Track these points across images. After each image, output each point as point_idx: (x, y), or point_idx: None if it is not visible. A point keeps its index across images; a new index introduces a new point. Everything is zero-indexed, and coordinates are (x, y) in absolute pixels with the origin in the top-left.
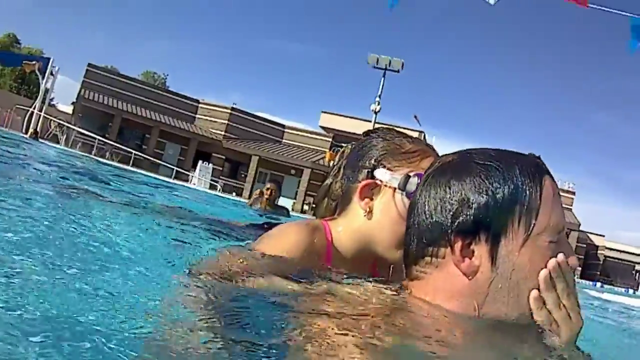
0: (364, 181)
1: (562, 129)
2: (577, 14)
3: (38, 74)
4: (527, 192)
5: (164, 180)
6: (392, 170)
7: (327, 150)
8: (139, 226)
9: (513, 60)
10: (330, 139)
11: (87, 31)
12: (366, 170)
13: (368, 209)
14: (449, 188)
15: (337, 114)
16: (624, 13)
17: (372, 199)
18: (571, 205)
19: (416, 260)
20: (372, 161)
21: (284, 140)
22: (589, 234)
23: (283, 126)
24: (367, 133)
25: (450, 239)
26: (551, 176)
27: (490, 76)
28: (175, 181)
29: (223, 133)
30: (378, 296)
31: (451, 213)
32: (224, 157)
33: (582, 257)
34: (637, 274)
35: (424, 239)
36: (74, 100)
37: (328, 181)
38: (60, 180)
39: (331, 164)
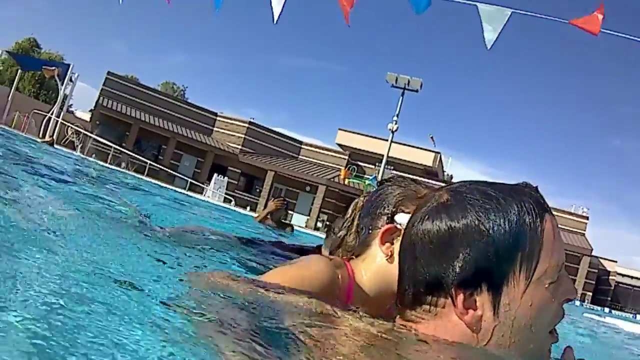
0: (385, 226)
1: (577, 153)
2: (592, 39)
3: (57, 79)
4: (529, 236)
5: (178, 192)
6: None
7: (343, 167)
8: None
9: (530, 84)
10: (347, 157)
11: (108, 39)
12: (386, 216)
13: (390, 253)
14: (447, 235)
15: (354, 132)
16: (636, 38)
17: (392, 243)
18: (584, 230)
19: (413, 306)
20: (391, 207)
21: (300, 157)
22: (601, 259)
23: (300, 142)
24: (381, 182)
25: (451, 291)
26: (551, 213)
27: (507, 99)
28: (190, 193)
29: (240, 147)
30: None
31: (451, 264)
32: (239, 171)
33: (593, 282)
34: None
35: (421, 287)
36: (92, 108)
37: (342, 233)
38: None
39: (346, 181)
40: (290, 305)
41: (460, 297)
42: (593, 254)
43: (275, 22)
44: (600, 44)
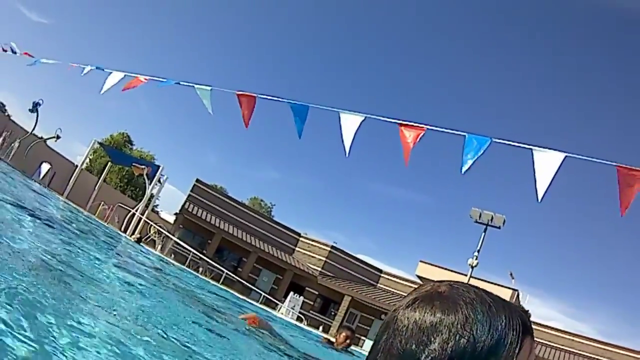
0: None
1: None
2: None
3: (146, 178)
4: (506, 350)
5: (251, 303)
6: None
7: None
8: None
9: (611, 225)
10: None
11: (202, 148)
12: None
13: None
14: (434, 324)
15: (434, 265)
16: None
17: None
18: None
19: None
20: None
21: (378, 285)
22: None
23: (380, 271)
24: None
25: None
26: (532, 336)
27: (589, 241)
28: (264, 307)
29: (320, 269)
30: None
31: (427, 349)
32: (317, 293)
33: None
34: None
35: None
36: (177, 211)
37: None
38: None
39: None
40: None
41: None
42: None
43: (347, 155)
44: None
